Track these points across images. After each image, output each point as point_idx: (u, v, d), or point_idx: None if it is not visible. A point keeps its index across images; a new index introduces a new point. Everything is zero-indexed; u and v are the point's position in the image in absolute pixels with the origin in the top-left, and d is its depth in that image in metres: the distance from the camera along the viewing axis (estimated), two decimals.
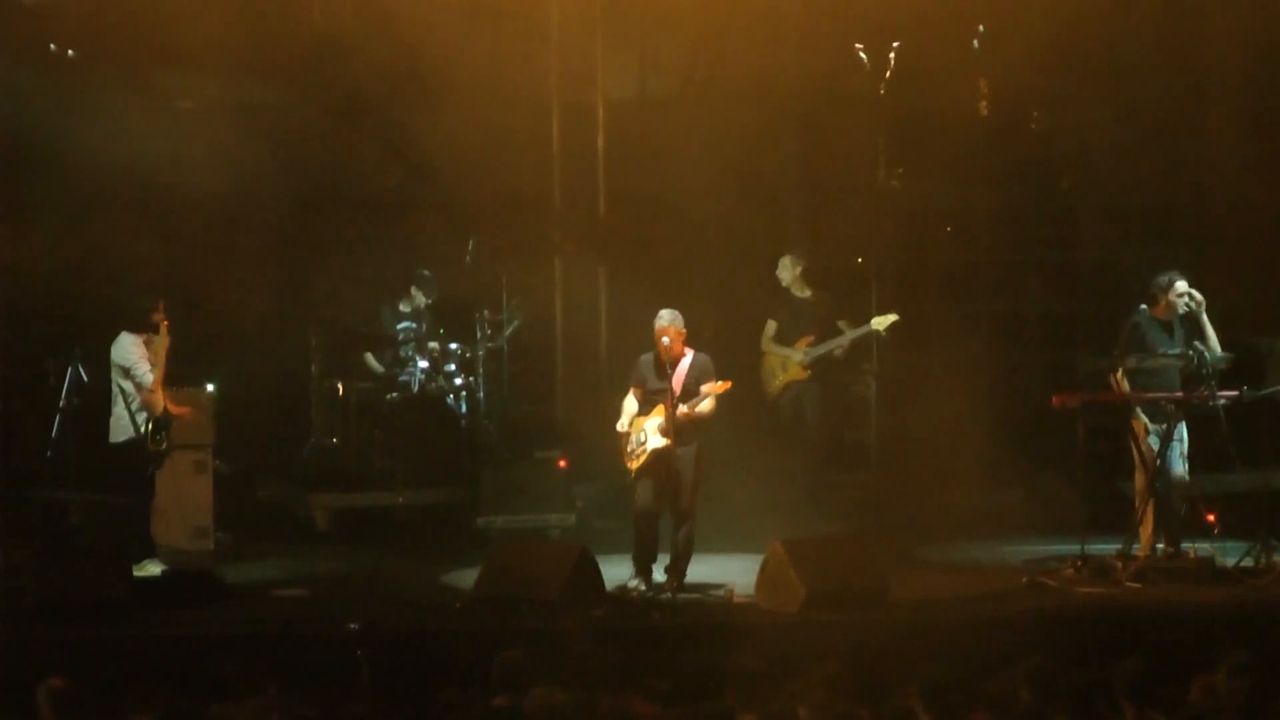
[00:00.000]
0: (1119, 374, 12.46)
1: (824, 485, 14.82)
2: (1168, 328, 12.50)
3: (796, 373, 14.58)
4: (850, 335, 14.59)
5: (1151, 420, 12.41)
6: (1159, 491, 12.28)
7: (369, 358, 16.02)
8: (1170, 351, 12.36)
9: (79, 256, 16.25)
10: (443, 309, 16.27)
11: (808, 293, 14.84)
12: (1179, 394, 12.33)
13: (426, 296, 15.97)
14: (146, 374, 12.71)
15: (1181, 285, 12.46)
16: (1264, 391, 12.80)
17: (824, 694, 7.92)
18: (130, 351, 12.77)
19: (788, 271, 14.90)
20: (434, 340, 15.77)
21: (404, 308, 15.97)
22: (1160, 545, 12.40)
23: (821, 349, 14.58)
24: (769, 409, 14.70)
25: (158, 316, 12.76)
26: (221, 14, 15.61)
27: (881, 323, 14.45)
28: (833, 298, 15.00)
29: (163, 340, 12.75)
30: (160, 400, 12.74)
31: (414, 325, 15.81)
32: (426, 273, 16.06)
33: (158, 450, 12.74)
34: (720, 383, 11.99)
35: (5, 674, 9.66)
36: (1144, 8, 17.02)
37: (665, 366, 12.03)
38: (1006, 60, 17.27)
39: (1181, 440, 12.37)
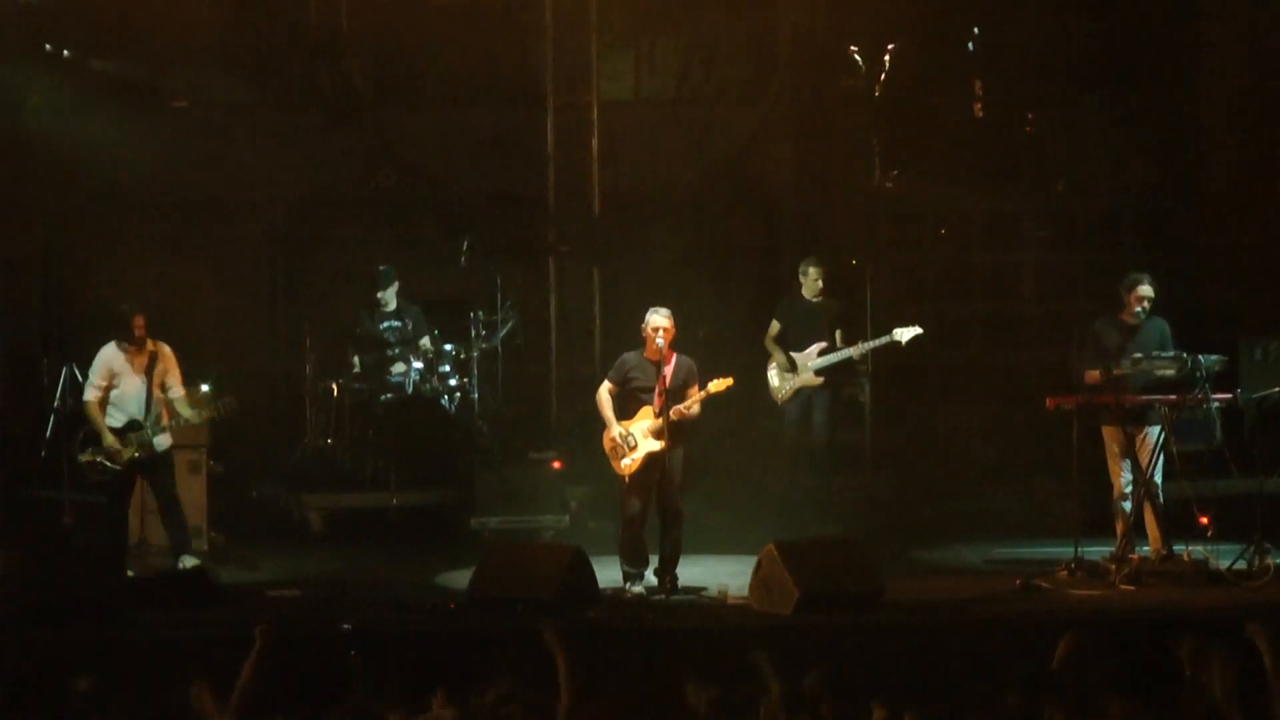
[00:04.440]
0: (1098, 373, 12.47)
1: (820, 487, 14.81)
2: (1130, 330, 12.51)
3: (809, 379, 14.51)
4: (870, 345, 14.42)
5: (1141, 424, 12.45)
6: (1136, 496, 12.35)
7: (355, 359, 15.96)
8: (1164, 355, 12.38)
9: (73, 256, 16.30)
10: (435, 309, 16.28)
11: (819, 298, 14.73)
12: (1173, 397, 12.35)
13: (390, 287, 15.86)
14: (89, 388, 12.74)
15: (1145, 289, 12.47)
16: (1257, 395, 12.83)
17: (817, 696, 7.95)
18: (95, 361, 12.78)
19: (807, 277, 14.74)
20: (424, 336, 15.77)
21: (384, 309, 15.91)
22: (1147, 547, 12.46)
23: (835, 357, 14.47)
24: (776, 412, 14.65)
25: (136, 326, 12.68)
26: (216, 14, 15.64)
27: (904, 334, 14.25)
28: (839, 305, 14.87)
29: (146, 355, 12.70)
30: (95, 416, 12.67)
31: (399, 324, 15.78)
32: (381, 267, 15.99)
33: (84, 461, 12.68)
34: (723, 379, 12.01)
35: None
36: (1137, 12, 17.08)
37: (655, 366, 12.02)
38: (1001, 62, 17.35)
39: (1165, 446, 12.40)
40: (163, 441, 12.76)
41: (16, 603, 11.21)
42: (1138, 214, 17.46)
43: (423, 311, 15.96)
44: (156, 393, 12.71)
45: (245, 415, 15.09)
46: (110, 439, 12.59)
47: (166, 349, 12.82)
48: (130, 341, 12.68)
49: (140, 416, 12.65)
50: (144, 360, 12.71)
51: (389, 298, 15.83)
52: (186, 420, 12.75)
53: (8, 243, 15.59)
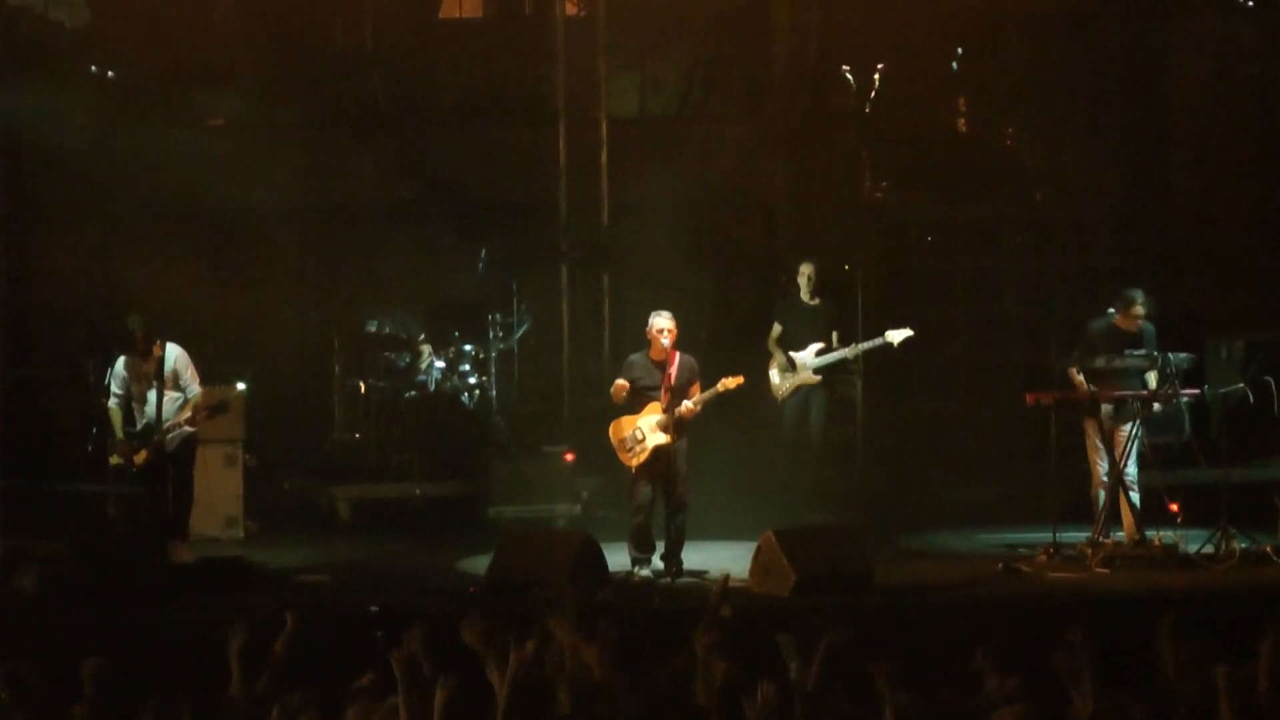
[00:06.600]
0: (1075, 372, 12.53)
1: (815, 478, 14.81)
2: (1127, 336, 12.52)
3: (808, 377, 14.45)
4: (864, 346, 14.33)
5: (1116, 418, 12.46)
6: (1112, 485, 12.37)
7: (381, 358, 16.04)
8: (1136, 353, 12.40)
9: (116, 264, 16.33)
10: (455, 312, 16.32)
11: (815, 300, 14.65)
12: (1144, 392, 12.39)
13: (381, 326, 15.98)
14: (110, 395, 12.64)
15: (1138, 309, 12.49)
16: (1223, 390, 12.85)
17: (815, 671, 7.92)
18: (111, 373, 12.72)
19: (804, 278, 14.67)
20: (420, 333, 15.83)
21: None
22: (1121, 533, 12.47)
23: (833, 357, 14.40)
24: (776, 409, 14.62)
25: (138, 340, 12.53)
26: (249, 38, 15.67)
27: (896, 336, 14.18)
28: (836, 307, 14.81)
29: (153, 361, 12.56)
30: (110, 421, 12.60)
31: (396, 334, 15.88)
32: (368, 330, 16.09)
33: (112, 464, 12.64)
34: (735, 378, 12.03)
35: (48, 655, 9.67)
36: (1110, 32, 17.07)
37: (660, 365, 12.04)
38: (983, 81, 17.36)
39: (1139, 439, 12.43)
40: (175, 440, 12.71)
41: (64, 588, 11.25)
42: (1111, 221, 17.45)
43: (411, 313, 16.03)
44: (170, 393, 12.65)
45: (278, 411, 15.23)
46: (122, 440, 12.56)
47: (174, 350, 12.62)
48: (135, 353, 12.64)
49: (153, 420, 12.58)
50: (151, 367, 12.61)
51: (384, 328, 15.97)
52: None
53: (56, 252, 15.62)
